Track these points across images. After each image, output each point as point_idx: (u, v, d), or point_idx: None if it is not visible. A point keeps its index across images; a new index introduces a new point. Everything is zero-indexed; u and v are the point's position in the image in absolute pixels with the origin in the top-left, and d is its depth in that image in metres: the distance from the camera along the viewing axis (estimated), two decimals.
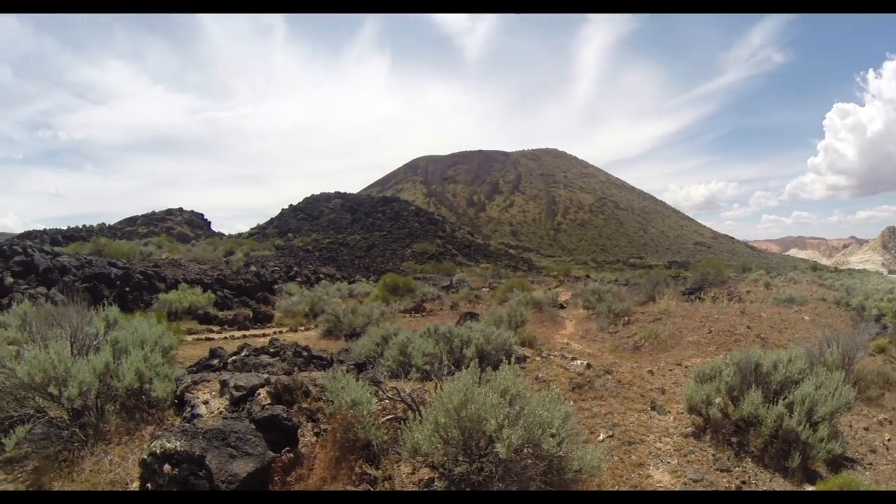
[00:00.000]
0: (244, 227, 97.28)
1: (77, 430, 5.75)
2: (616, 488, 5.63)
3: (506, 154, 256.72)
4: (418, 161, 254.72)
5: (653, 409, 7.66)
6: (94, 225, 74.35)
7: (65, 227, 67.12)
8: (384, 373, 8.13)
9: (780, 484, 5.99)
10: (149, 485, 4.67)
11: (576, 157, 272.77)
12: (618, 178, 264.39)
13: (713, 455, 6.37)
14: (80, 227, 69.18)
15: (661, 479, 5.87)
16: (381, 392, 6.06)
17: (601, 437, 6.69)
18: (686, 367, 10.43)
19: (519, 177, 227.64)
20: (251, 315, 21.91)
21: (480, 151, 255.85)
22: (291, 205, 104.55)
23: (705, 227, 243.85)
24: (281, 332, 18.76)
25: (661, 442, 6.69)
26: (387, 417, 5.73)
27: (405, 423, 5.14)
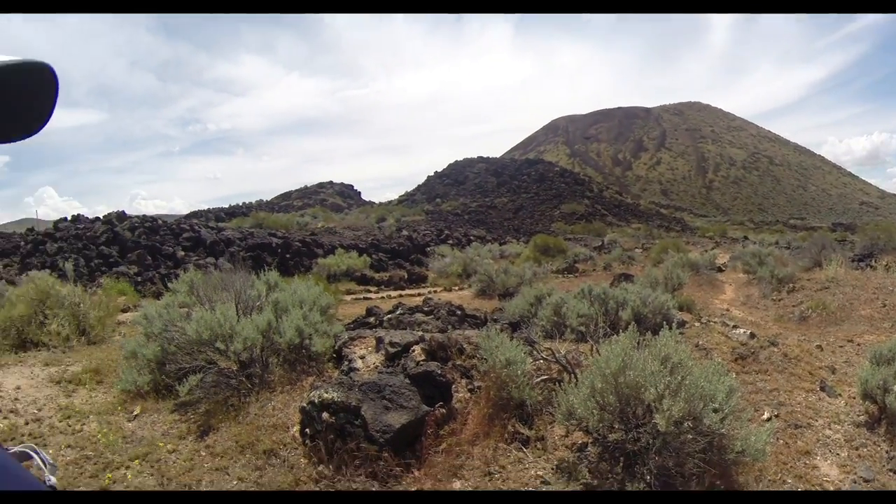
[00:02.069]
0: (392, 195, 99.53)
1: (244, 379, 6.20)
2: (779, 476, 5.16)
3: (647, 110, 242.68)
4: (557, 122, 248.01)
5: (822, 389, 6.91)
6: (253, 202, 78.76)
7: (226, 206, 72.04)
8: (538, 333, 8.04)
9: None
10: (307, 429, 4.91)
11: (721, 110, 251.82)
12: (769, 131, 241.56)
13: (887, 452, 5.56)
14: (240, 204, 73.72)
15: (829, 472, 5.28)
16: (535, 352, 5.95)
17: (765, 416, 6.17)
18: (858, 344, 9.38)
19: (663, 133, 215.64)
20: (406, 276, 22.58)
21: (620, 108, 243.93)
22: (436, 171, 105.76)
23: (871, 184, 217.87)
24: (435, 291, 19.20)
25: (830, 429, 6.04)
26: (541, 378, 5.63)
27: (560, 385, 5.02)
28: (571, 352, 6.15)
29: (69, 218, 31.82)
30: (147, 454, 5.45)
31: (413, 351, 5.72)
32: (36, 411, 6.67)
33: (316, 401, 4.89)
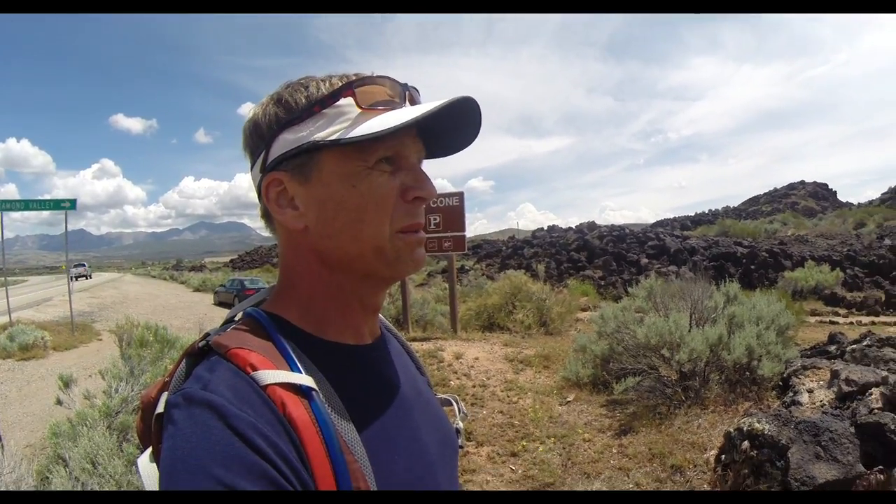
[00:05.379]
0: (873, 193, 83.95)
1: (680, 390, 6.23)
2: None
3: None
4: None
5: None
6: (719, 209, 76.09)
7: (692, 214, 71.11)
8: None
9: None
10: (723, 456, 4.58)
11: None
12: None
13: None
14: (706, 211, 72.04)
15: None
16: None
17: None
18: None
19: None
20: (882, 298, 19.10)
21: None
22: None
23: None
24: None
25: None
26: None
27: None
28: None
29: (545, 228, 37.09)
30: (564, 436, 5.92)
31: (870, 395, 4.72)
32: (485, 379, 7.84)
33: (744, 428, 4.49)
